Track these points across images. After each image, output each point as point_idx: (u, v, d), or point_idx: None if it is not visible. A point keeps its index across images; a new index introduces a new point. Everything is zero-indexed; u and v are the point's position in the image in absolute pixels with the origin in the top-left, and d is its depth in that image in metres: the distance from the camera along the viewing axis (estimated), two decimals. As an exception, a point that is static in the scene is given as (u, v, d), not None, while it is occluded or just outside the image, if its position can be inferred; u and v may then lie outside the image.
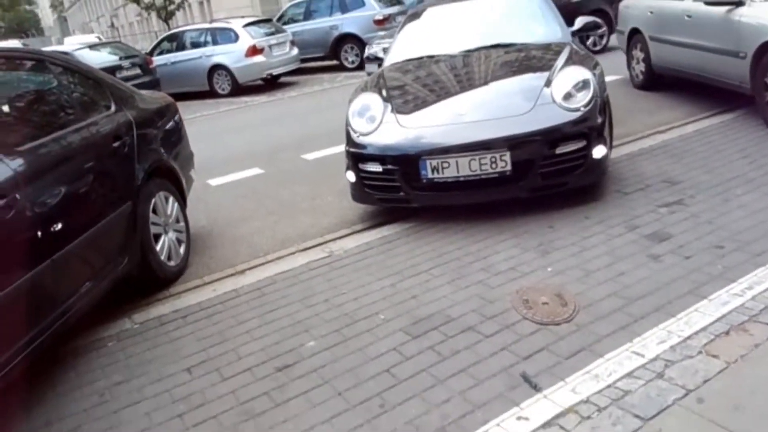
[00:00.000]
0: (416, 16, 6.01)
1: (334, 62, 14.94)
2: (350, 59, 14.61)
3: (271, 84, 13.96)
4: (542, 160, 3.81)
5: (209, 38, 13.74)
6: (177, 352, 2.95)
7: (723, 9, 5.42)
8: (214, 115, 11.37)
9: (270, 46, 13.33)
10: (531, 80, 4.28)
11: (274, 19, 15.80)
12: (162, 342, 3.08)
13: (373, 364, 2.56)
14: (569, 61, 4.37)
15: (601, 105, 4.04)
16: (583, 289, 2.90)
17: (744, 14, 5.19)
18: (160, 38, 15.63)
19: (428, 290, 3.14)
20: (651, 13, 6.98)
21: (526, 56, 4.83)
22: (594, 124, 3.90)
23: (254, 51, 13.03)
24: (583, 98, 3.94)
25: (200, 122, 10.69)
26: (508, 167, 3.77)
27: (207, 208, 5.38)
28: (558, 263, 3.19)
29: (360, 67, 13.91)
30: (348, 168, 4.34)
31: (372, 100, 4.41)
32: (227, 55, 13.22)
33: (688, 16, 6.09)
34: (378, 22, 14.08)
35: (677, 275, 2.88)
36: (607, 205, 3.89)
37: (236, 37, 13.24)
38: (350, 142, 4.29)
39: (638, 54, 7.42)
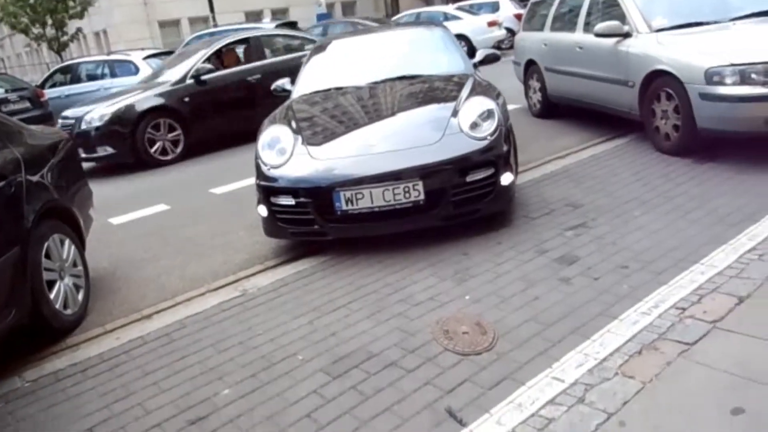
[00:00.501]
0: (322, 48, 6.07)
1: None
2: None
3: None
4: (453, 188, 3.86)
5: (107, 71, 13.15)
6: (76, 411, 2.70)
7: (612, 41, 5.80)
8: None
9: (172, 79, 12.91)
10: (438, 111, 4.35)
11: (176, 52, 15.38)
12: (59, 400, 2.81)
13: (293, 410, 2.44)
14: (473, 92, 4.48)
15: (506, 133, 4.18)
16: (500, 316, 2.93)
17: (631, 45, 5.57)
18: (52, 70, 14.81)
19: (348, 326, 3.06)
20: (545, 45, 7.37)
21: (431, 87, 4.93)
22: (500, 152, 4.02)
23: (156, 84, 12.58)
24: (488, 127, 4.06)
25: (99, 157, 10.14)
26: (422, 196, 3.80)
27: (109, 249, 5.04)
28: (475, 291, 3.22)
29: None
30: (259, 202, 4.23)
31: (282, 132, 4.36)
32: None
33: (580, 48, 6.47)
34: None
35: (588, 297, 2.97)
36: (516, 231, 3.98)
37: (136, 70, 12.71)
38: (261, 175, 4.19)
39: (535, 84, 7.80)
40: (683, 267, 3.12)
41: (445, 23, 17.00)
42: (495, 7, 19.27)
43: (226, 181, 6.69)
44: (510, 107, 8.44)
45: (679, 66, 4.93)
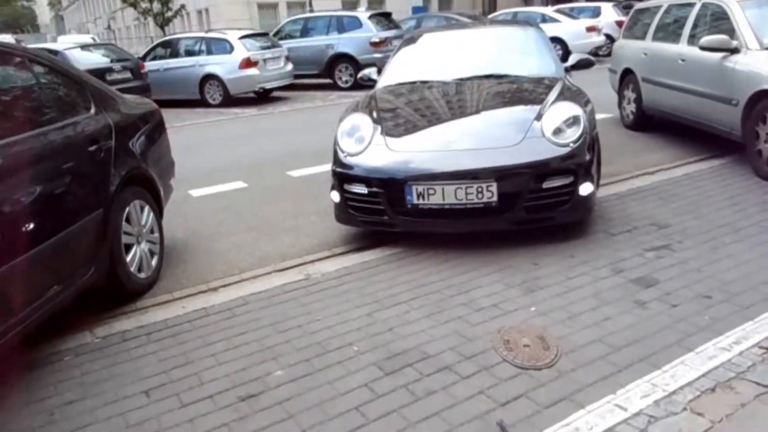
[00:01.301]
0: (412, 40, 6.01)
1: (328, 81, 14.92)
2: (344, 79, 14.61)
3: (263, 97, 13.90)
4: (529, 193, 3.77)
5: (204, 47, 13.66)
6: (136, 372, 2.79)
7: (718, 55, 5.43)
8: (203, 124, 11.23)
9: (264, 60, 13.27)
10: (522, 113, 4.25)
11: (271, 34, 15.79)
12: (122, 360, 2.92)
13: (342, 401, 2.42)
14: (561, 97, 4.36)
15: (590, 142, 4.04)
16: (566, 332, 2.79)
17: (738, 62, 5.20)
18: (154, 44, 15.53)
19: (406, 323, 3.01)
20: (645, 54, 7.01)
21: (518, 88, 4.83)
22: (582, 160, 3.88)
23: (248, 63, 12.96)
24: (572, 134, 3.93)
25: (187, 131, 10.55)
26: (495, 198, 3.72)
27: (185, 219, 5.22)
28: (542, 303, 3.09)
29: (354, 87, 13.92)
30: (333, 188, 4.26)
31: (362, 121, 4.37)
32: (221, 65, 13.13)
33: (682, 60, 6.11)
34: (374, 45, 14.13)
35: (663, 324, 2.79)
36: (593, 245, 3.80)
37: (231, 49, 13.16)
38: (337, 161, 4.21)
39: (630, 94, 7.44)
40: (774, 304, 2.87)
41: (543, 25, 16.53)
42: (596, 12, 18.59)
43: (304, 164, 6.79)
44: (600, 116, 8.26)
45: (792, 87, 4.56)
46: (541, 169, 3.78)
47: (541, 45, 5.47)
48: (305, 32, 15.42)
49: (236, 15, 30.07)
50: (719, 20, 5.73)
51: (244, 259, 4.24)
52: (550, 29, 16.66)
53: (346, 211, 4.19)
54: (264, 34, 14.92)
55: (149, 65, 13.76)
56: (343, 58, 14.55)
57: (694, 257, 3.50)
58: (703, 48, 5.49)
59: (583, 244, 3.83)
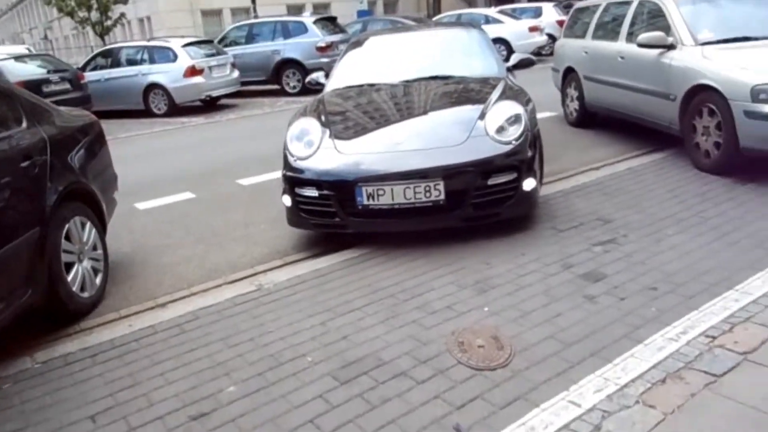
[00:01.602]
0: (359, 44, 6.05)
1: (276, 87, 14.77)
2: (292, 84, 14.49)
3: (210, 105, 13.65)
4: (475, 190, 3.88)
5: (146, 56, 13.31)
6: (81, 397, 2.67)
7: (655, 52, 5.60)
8: (148, 135, 10.94)
9: (210, 68, 13.02)
10: (466, 112, 4.35)
11: (216, 41, 15.53)
12: (65, 385, 2.79)
13: (297, 414, 2.37)
14: (503, 96, 4.48)
15: (532, 139, 4.17)
16: (519, 331, 2.81)
17: (675, 58, 5.37)
18: (93, 54, 15.06)
19: (360, 330, 2.98)
20: (585, 53, 7.18)
21: (463, 89, 4.92)
22: (524, 157, 4.00)
23: (193, 71, 12.70)
24: (514, 132, 4.06)
25: (132, 142, 10.27)
26: (442, 196, 3.81)
27: (132, 234, 5.06)
28: (494, 302, 3.10)
29: (301, 92, 13.81)
30: (284, 192, 4.27)
31: (311, 125, 4.40)
32: (165, 74, 12.83)
33: (622, 57, 6.28)
34: (321, 49, 14.05)
35: (613, 318, 2.84)
36: (542, 242, 3.85)
37: (175, 57, 12.87)
38: (287, 166, 4.23)
39: (572, 92, 7.61)
40: (716, 292, 2.96)
41: (486, 26, 16.87)
42: (537, 13, 18.99)
43: (253, 172, 6.68)
44: (546, 115, 8.47)
45: (724, 81, 4.72)
46: (485, 167, 3.89)
47: (484, 46, 5.60)
48: (250, 38, 15.22)
49: (179, 23, 29.45)
50: (656, 17, 5.92)
51: (193, 272, 4.13)
52: (494, 30, 16.90)
53: (297, 214, 4.20)
54: (208, 42, 14.66)
55: (89, 76, 13.30)
56: (289, 63, 14.42)
57: (638, 250, 3.59)
58: (640, 45, 5.66)
59: (533, 242, 3.87)
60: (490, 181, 3.88)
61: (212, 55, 13.52)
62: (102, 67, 13.76)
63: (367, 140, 4.25)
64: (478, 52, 5.48)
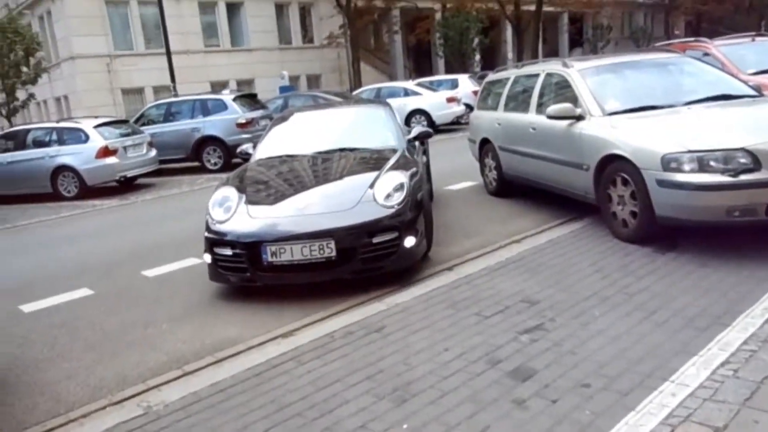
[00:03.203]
0: (283, 119, 6.91)
1: (196, 164, 14.35)
2: (212, 161, 14.13)
3: (126, 186, 13.02)
4: (362, 247, 4.48)
5: (55, 137, 12.66)
6: None
7: (565, 123, 5.62)
8: (53, 221, 10.21)
9: (125, 147, 12.50)
10: (360, 181, 4.98)
11: (132, 120, 15.05)
12: None
13: None
14: (394, 166, 5.15)
15: (414, 203, 4.78)
16: (442, 450, 2.47)
17: (584, 128, 5.39)
18: (-5, 136, 14.20)
19: (260, 462, 2.55)
20: (498, 124, 7.22)
21: (362, 159, 5.59)
22: (405, 219, 4.63)
23: (106, 152, 12.14)
24: (398, 198, 4.69)
25: (32, 230, 9.55)
26: (333, 253, 4.41)
27: (10, 344, 4.44)
28: (415, 416, 2.73)
29: (223, 168, 13.43)
30: (205, 251, 4.84)
31: (230, 193, 5.06)
32: (75, 155, 12.19)
33: (533, 129, 6.30)
34: (241, 125, 13.85)
35: (544, 427, 2.54)
36: (467, 333, 3.56)
37: (86, 138, 12.29)
38: (208, 228, 4.84)
39: (490, 162, 7.61)
40: (651, 386, 2.73)
41: (406, 99, 17.30)
42: (454, 84, 19.65)
43: (163, 260, 6.19)
44: (467, 185, 8.48)
45: (634, 151, 4.73)
46: (370, 228, 4.51)
47: (388, 121, 6.36)
48: (169, 117, 14.85)
49: (99, 102, 28.58)
50: (563, 88, 5.99)
51: (75, 391, 3.58)
52: (414, 102, 17.32)
53: (216, 270, 4.82)
54: (124, 121, 14.20)
55: (-11, 159, 12.50)
56: (210, 140, 14.11)
57: (567, 336, 3.36)
58: (549, 117, 5.67)
59: (457, 333, 3.58)
60: (375, 240, 4.49)
61: (127, 134, 13.01)
62: (5, 150, 12.96)
63: (275, 206, 4.88)
64: (382, 127, 6.23)
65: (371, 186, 4.77)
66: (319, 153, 5.83)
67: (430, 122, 17.03)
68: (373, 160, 5.45)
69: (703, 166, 4.29)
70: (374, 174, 4.97)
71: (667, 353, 3.04)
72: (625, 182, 4.88)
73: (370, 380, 3.12)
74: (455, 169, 9.57)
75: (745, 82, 5.99)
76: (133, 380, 3.59)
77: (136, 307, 4.95)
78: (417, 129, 6.40)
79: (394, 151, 5.62)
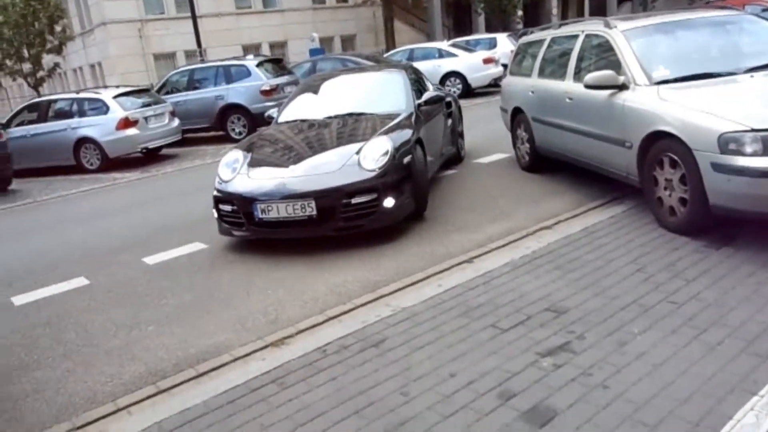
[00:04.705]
0: (306, 86, 7.48)
1: (221, 133, 13.97)
2: (237, 130, 13.69)
3: (150, 157, 12.76)
4: (342, 207, 4.91)
5: (76, 109, 12.41)
6: None
7: (605, 93, 4.93)
8: (71, 197, 9.99)
9: (146, 118, 12.19)
10: (350, 146, 5.33)
11: (155, 89, 14.70)
12: None
13: None
14: (383, 132, 5.43)
15: (398, 167, 5.12)
16: None
17: (628, 99, 4.70)
18: (18, 108, 14.07)
19: None
20: (532, 93, 6.52)
21: (364, 124, 5.89)
22: (385, 181, 4.99)
23: (126, 123, 11.85)
24: (380, 162, 5.04)
25: (49, 207, 9.34)
26: (314, 212, 4.89)
27: (-9, 345, 4.13)
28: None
29: (248, 137, 13.01)
30: (213, 206, 5.44)
31: (238, 155, 5.61)
32: (95, 127, 11.95)
33: (570, 99, 5.61)
34: (265, 93, 13.32)
35: (562, 498, 2.03)
36: (479, 353, 3.03)
37: (106, 109, 12.01)
38: (216, 187, 5.41)
39: (523, 134, 6.94)
40: (700, 442, 2.18)
41: (440, 60, 16.46)
42: (492, 44, 18.65)
43: (168, 245, 5.83)
44: (498, 157, 7.84)
45: (686, 128, 4.03)
46: (349, 189, 4.91)
47: (400, 86, 6.53)
48: (192, 84, 14.42)
49: (131, 67, 28.49)
50: (605, 53, 5.26)
51: (39, 409, 3.22)
52: (448, 63, 16.47)
53: (221, 224, 5.42)
54: (146, 90, 13.83)
55: (14, 132, 12.35)
56: (234, 108, 13.66)
57: (598, 362, 2.79)
58: (588, 86, 4.97)
59: (468, 351, 3.06)
60: (354, 200, 4.90)
61: (149, 104, 12.66)
62: (29, 122, 12.81)
63: (271, 168, 5.37)
64: (392, 92, 6.46)
65: (358, 151, 5.14)
66: (330, 117, 6.24)
67: (466, 85, 16.22)
68: (372, 126, 5.77)
69: (769, 148, 3.59)
70: (366, 140, 5.33)
71: (720, 390, 2.46)
72: (673, 164, 4.20)
73: (358, 416, 2.63)
74: (487, 138, 8.91)
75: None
76: (103, 398, 3.21)
77: (126, 303, 4.58)
78: (428, 94, 6.60)
79: (397, 115, 5.94)
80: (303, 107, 6.70)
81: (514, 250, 4.45)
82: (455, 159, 7.83)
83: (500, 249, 4.53)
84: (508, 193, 6.20)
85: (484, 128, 9.64)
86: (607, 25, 5.30)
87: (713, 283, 3.45)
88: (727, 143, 3.73)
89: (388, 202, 4.98)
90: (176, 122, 13.00)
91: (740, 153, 3.67)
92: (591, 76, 4.92)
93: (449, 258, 4.51)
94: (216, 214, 5.40)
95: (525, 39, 7.40)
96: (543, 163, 6.66)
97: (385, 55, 19.28)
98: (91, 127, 12.00)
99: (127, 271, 5.36)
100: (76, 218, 8.07)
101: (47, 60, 22.31)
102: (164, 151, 13.30)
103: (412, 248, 4.91)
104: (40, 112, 12.88)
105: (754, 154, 3.63)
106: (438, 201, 6.14)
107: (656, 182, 4.44)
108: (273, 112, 7.01)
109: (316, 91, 7.11)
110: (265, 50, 30.55)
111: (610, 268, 3.86)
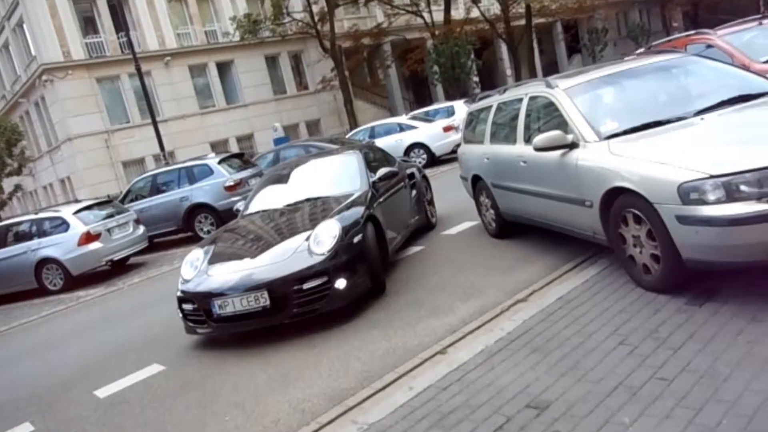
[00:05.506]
0: (267, 179, 7.65)
1: (189, 234, 13.65)
2: (205, 229, 13.38)
3: (117, 268, 12.36)
4: (295, 294, 4.93)
5: (35, 230, 12.07)
6: None
7: (557, 153, 4.74)
8: (31, 324, 9.46)
9: (109, 230, 11.87)
10: (301, 233, 5.39)
11: (118, 199, 14.47)
12: None
13: None
14: (335, 213, 5.51)
15: (347, 247, 5.15)
16: None
17: (580, 158, 4.51)
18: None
19: None
20: (487, 159, 6.35)
21: (319, 208, 5.98)
22: (335, 263, 5.02)
23: (89, 238, 11.51)
24: (329, 245, 5.09)
25: (7, 339, 8.80)
26: (268, 302, 4.91)
27: None
28: None
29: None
30: (177, 306, 5.44)
31: (200, 254, 5.66)
32: (57, 246, 11.60)
33: (524, 162, 5.42)
34: (229, 188, 13.14)
35: None
36: (453, 471, 2.65)
37: (67, 226, 11.68)
38: (179, 287, 5.44)
39: (486, 201, 6.73)
40: None
41: (402, 134, 16.57)
42: (450, 112, 18.82)
43: (124, 370, 5.38)
44: (466, 226, 7.57)
45: (644, 182, 3.82)
46: (299, 276, 4.94)
47: (354, 167, 6.71)
48: (156, 189, 14.22)
49: (101, 178, 28.37)
50: (551, 113, 5.11)
51: None
52: (410, 136, 16.57)
53: (186, 323, 5.41)
54: (108, 202, 13.61)
55: (-34, 261, 11.91)
56: (200, 207, 13.41)
57: (585, 470, 2.42)
58: (537, 149, 4.78)
59: (440, 471, 2.67)
60: (306, 286, 4.92)
61: (112, 215, 12.38)
62: (-13, 249, 12.40)
63: (227, 263, 5.42)
64: (346, 174, 6.65)
65: (307, 238, 5.21)
66: (290, 205, 6.40)
67: (430, 154, 16.25)
68: (326, 209, 5.86)
69: (731, 194, 3.36)
70: (316, 224, 5.39)
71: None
72: (638, 220, 3.97)
73: None
74: (455, 206, 8.70)
75: (761, 74, 5.07)
76: None
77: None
78: (382, 171, 6.69)
79: (352, 195, 6.07)
80: (266, 198, 6.87)
81: (489, 333, 4.11)
82: (427, 227, 7.86)
83: (474, 332, 4.19)
84: (479, 265, 5.91)
85: (451, 195, 9.43)
86: (549, 86, 5.18)
87: (702, 348, 3.13)
88: (688, 193, 3.50)
89: (340, 284, 5.00)
90: (141, 230, 12.70)
91: (703, 202, 3.44)
92: (539, 139, 4.74)
93: (422, 350, 4.15)
94: (180, 314, 5.43)
95: (474, 106, 7.32)
96: (511, 228, 6.42)
97: (348, 136, 19.40)
98: (51, 246, 11.64)
99: (77, 409, 4.88)
100: (31, 350, 7.56)
101: (7, 183, 22.08)
102: (132, 260, 12.93)
103: (382, 343, 4.54)
104: None
105: (717, 202, 3.39)
106: (408, 281, 5.84)
107: (624, 240, 4.19)
108: (240, 205, 7.15)
109: (278, 181, 7.34)
110: (232, 144, 30.76)
111: (590, 344, 3.52)
